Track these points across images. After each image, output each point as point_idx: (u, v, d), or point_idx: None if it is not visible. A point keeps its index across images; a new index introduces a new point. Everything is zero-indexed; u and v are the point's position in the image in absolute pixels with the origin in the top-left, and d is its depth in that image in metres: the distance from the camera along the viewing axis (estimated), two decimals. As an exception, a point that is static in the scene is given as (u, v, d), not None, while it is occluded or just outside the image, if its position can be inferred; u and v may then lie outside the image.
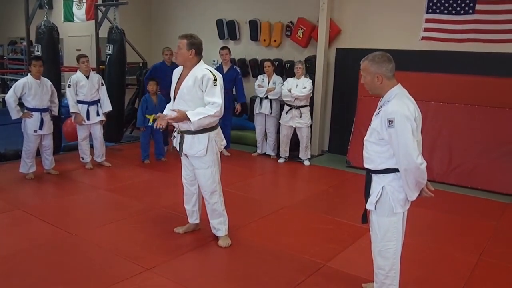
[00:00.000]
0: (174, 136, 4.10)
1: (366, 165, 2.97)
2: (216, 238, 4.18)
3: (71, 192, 5.59)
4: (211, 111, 3.78)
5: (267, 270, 3.70)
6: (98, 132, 6.62)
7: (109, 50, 7.63)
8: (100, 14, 8.36)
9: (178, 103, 3.90)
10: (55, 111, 6.16)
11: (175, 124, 3.99)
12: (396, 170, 2.80)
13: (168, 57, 7.60)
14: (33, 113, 5.79)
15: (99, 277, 3.48)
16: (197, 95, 3.83)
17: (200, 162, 3.96)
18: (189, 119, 3.76)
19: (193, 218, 4.37)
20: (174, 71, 4.11)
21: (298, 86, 7.03)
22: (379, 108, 2.87)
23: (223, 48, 7.58)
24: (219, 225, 4.14)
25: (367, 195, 2.96)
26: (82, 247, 4.01)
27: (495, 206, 5.63)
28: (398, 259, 2.95)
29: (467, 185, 6.28)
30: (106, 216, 4.83)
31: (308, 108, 7.26)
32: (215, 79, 3.82)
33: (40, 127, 5.83)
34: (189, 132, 3.90)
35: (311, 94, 7.19)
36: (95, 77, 6.58)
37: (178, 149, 4.04)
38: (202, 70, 3.87)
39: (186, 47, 3.85)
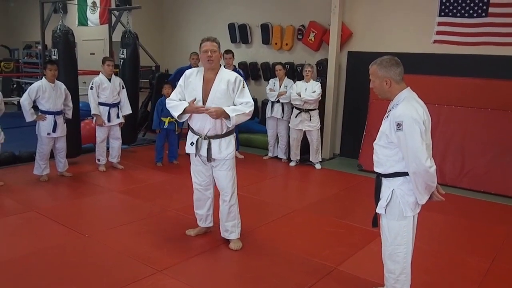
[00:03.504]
0: (193, 142, 4.00)
1: (376, 169, 2.98)
2: (227, 241, 4.19)
3: (84, 194, 5.65)
4: (246, 109, 3.83)
5: (278, 272, 3.70)
6: (118, 133, 6.73)
7: (123, 54, 7.72)
8: (113, 19, 8.45)
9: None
10: (69, 114, 6.23)
11: (196, 130, 3.95)
12: (405, 174, 2.80)
13: (195, 61, 7.60)
14: (47, 116, 5.87)
15: (111, 278, 3.51)
16: (230, 98, 3.86)
17: (224, 164, 3.99)
18: (227, 115, 3.77)
19: (208, 222, 4.37)
20: (189, 74, 4.00)
21: (307, 90, 7.03)
22: (388, 111, 2.88)
23: (227, 52, 7.52)
24: (233, 228, 4.15)
25: (377, 198, 2.97)
26: (94, 249, 4.05)
27: (509, 210, 5.58)
28: (408, 263, 2.94)
29: (480, 189, 6.22)
30: (118, 218, 4.87)
31: (317, 111, 7.26)
32: (244, 81, 3.92)
33: (54, 130, 5.91)
34: (217, 136, 3.91)
35: (320, 98, 7.19)
36: (117, 80, 6.71)
37: (205, 156, 3.93)
38: (231, 72, 3.95)
39: (218, 49, 3.88)
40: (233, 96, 3.86)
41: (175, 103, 3.96)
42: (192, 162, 4.16)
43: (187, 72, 4.04)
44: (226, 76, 3.88)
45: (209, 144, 3.91)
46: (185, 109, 3.86)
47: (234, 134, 4.07)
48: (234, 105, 3.86)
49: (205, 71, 3.92)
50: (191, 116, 3.95)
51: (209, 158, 3.94)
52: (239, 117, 3.81)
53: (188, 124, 4.08)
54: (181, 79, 4.04)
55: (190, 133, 4.07)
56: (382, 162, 2.90)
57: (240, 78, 3.90)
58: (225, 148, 3.94)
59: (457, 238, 4.66)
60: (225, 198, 4.08)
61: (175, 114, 3.93)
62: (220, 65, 3.97)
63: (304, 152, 7.51)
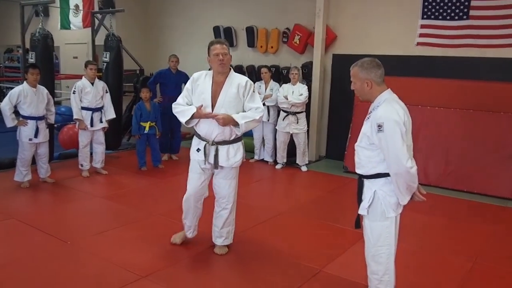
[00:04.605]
0: (199, 149, 3.84)
1: (357, 170, 2.99)
2: (213, 245, 4.16)
3: (66, 200, 5.58)
4: (256, 115, 3.74)
5: (264, 276, 3.69)
6: (101, 138, 6.66)
7: (106, 58, 7.65)
8: (96, 22, 8.38)
9: (218, 113, 3.70)
10: (51, 119, 6.14)
11: (204, 135, 3.81)
12: (387, 175, 2.80)
13: (174, 64, 7.58)
14: (29, 121, 5.77)
15: (94, 285, 3.46)
16: (240, 102, 3.76)
17: (230, 172, 3.91)
18: (236, 122, 3.68)
19: (194, 233, 4.21)
20: (197, 77, 3.86)
21: (294, 93, 7.04)
22: (369, 113, 2.89)
23: None
24: (228, 234, 4.11)
25: (359, 200, 2.97)
26: (77, 256, 3.99)
27: (491, 209, 5.65)
28: (392, 263, 2.94)
29: (463, 189, 6.29)
30: (101, 224, 4.81)
31: (305, 114, 7.28)
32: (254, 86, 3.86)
33: (36, 135, 5.81)
34: (225, 142, 3.79)
35: (307, 100, 7.20)
36: (100, 84, 6.63)
37: (212, 163, 3.80)
38: (241, 76, 3.86)
39: (229, 52, 3.79)
40: (243, 101, 3.78)
41: (182, 108, 3.82)
42: (191, 170, 3.98)
43: (195, 75, 3.89)
44: (237, 80, 3.79)
45: (217, 150, 3.78)
46: (193, 114, 3.73)
47: (242, 140, 3.94)
48: (244, 110, 3.78)
49: (215, 74, 3.80)
50: (198, 121, 3.81)
51: (216, 165, 3.81)
52: (248, 124, 3.71)
53: (194, 130, 3.93)
54: (188, 82, 3.91)
55: (195, 139, 3.93)
56: (363, 164, 2.91)
57: (250, 82, 3.83)
58: (233, 155, 3.83)
59: (440, 237, 4.69)
60: (226, 206, 4.00)
61: (183, 120, 3.78)
62: (230, 68, 3.87)
63: (290, 154, 7.52)
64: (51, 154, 6.80)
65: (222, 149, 3.79)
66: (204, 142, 3.82)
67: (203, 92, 3.78)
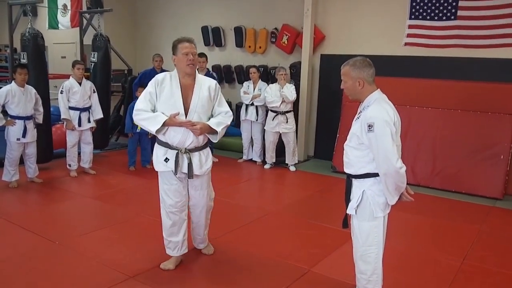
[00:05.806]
0: (168, 158, 3.52)
1: (346, 170, 2.99)
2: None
3: (55, 200, 5.54)
4: (228, 120, 3.60)
5: (252, 276, 3.69)
6: (89, 138, 6.64)
7: (94, 58, 7.62)
8: (85, 22, 8.34)
9: (191, 118, 3.46)
10: (40, 119, 6.10)
11: (176, 144, 3.51)
12: (376, 175, 2.82)
13: (158, 64, 7.58)
14: (17, 121, 5.73)
15: (82, 285, 3.44)
16: (211, 106, 3.57)
17: (204, 181, 3.72)
18: (211, 130, 3.50)
19: (183, 248, 3.83)
20: (161, 79, 3.50)
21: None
22: (359, 113, 2.90)
23: (200, 55, 7.07)
24: (206, 235, 4.10)
25: (347, 199, 2.98)
26: (65, 256, 3.96)
27: (479, 209, 5.69)
28: (380, 263, 2.96)
29: (451, 189, 6.34)
30: (90, 224, 4.79)
31: (293, 113, 7.31)
32: None
33: (24, 135, 5.78)
34: (197, 149, 3.56)
35: (295, 99, 7.22)
36: (88, 84, 6.60)
37: (186, 172, 3.54)
38: (209, 78, 3.69)
39: (197, 53, 3.59)
40: (213, 104, 3.60)
41: (148, 115, 3.45)
42: (165, 181, 3.64)
43: (159, 77, 3.52)
44: (206, 82, 3.57)
45: (190, 159, 3.51)
46: (164, 122, 3.41)
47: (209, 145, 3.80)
48: (212, 114, 3.61)
49: (181, 76, 3.50)
50: (166, 129, 3.48)
51: (191, 174, 3.55)
52: (222, 131, 3.55)
53: (156, 137, 3.59)
54: (150, 85, 3.52)
55: (161, 148, 3.57)
56: (352, 163, 2.92)
57: (218, 85, 3.68)
58: (205, 162, 3.62)
59: (428, 237, 4.72)
60: (206, 214, 3.90)
61: (153, 128, 3.41)
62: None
63: (279, 154, 7.53)
64: (50, 154, 6.76)
65: (195, 156, 3.55)
66: (175, 151, 3.51)
67: (172, 96, 3.45)
